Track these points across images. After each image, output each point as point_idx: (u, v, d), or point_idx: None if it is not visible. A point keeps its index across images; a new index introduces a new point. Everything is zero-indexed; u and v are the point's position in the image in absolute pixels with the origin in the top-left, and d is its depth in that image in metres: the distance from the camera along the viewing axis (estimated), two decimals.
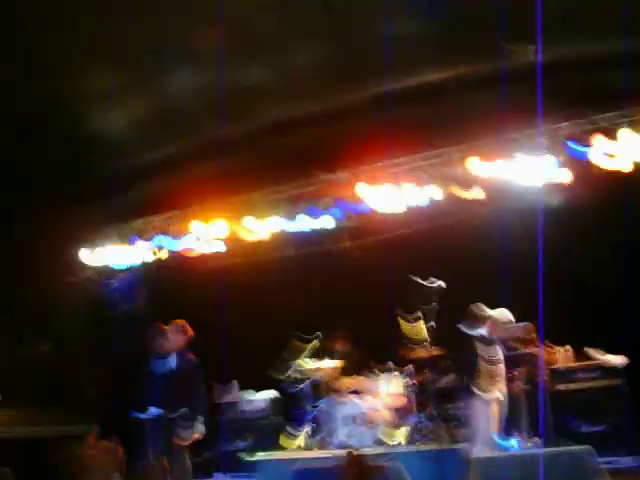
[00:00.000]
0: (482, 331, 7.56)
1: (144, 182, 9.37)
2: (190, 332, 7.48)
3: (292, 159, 8.84)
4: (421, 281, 8.14)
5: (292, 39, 7.20)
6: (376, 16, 6.69)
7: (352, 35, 7.09)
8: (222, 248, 9.80)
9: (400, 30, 6.71)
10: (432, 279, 8.15)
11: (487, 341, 7.51)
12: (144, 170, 9.09)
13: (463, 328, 7.58)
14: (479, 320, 7.63)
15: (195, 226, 9.55)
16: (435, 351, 8.19)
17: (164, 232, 9.96)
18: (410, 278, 8.14)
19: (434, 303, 8.10)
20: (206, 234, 9.59)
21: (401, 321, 8.37)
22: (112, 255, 10.23)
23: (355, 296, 9.15)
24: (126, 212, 10.04)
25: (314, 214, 9.13)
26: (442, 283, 8.11)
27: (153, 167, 9.10)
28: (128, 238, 10.16)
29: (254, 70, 7.59)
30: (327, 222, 9.14)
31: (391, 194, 8.53)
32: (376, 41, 6.89)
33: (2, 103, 7.36)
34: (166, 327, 7.51)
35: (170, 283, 10.11)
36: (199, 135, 8.60)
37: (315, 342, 9.18)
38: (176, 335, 7.43)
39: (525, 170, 7.74)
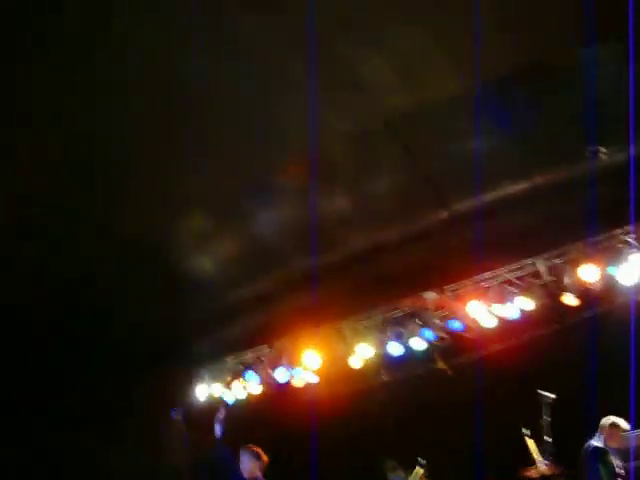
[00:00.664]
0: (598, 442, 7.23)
1: (235, 320, 9.53)
2: (265, 458, 7.35)
3: (378, 284, 8.89)
4: (542, 392, 7.80)
5: (370, 167, 7.47)
6: (450, 135, 6.94)
7: (428, 157, 7.29)
8: (314, 379, 9.77)
9: (479, 147, 6.88)
10: (541, 392, 7.83)
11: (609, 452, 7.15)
12: (234, 308, 9.27)
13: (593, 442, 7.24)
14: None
15: (286, 358, 9.60)
16: (553, 469, 7.74)
17: (254, 367, 10.05)
18: (515, 391, 7.88)
19: (545, 417, 7.75)
20: (298, 365, 9.63)
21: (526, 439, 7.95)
22: (204, 393, 10.36)
23: (450, 418, 8.91)
24: (219, 350, 10.17)
25: (404, 338, 9.07)
26: (552, 395, 7.79)
27: (243, 305, 9.27)
28: (220, 376, 10.29)
29: (335, 201, 7.83)
30: (418, 344, 9.05)
31: (480, 310, 8.47)
32: (453, 160, 7.08)
33: (104, 245, 7.70)
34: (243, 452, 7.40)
35: (261, 416, 10.08)
36: (286, 268, 8.77)
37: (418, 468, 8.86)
38: (249, 461, 7.32)
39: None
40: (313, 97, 5.89)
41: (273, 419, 9.93)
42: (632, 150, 6.85)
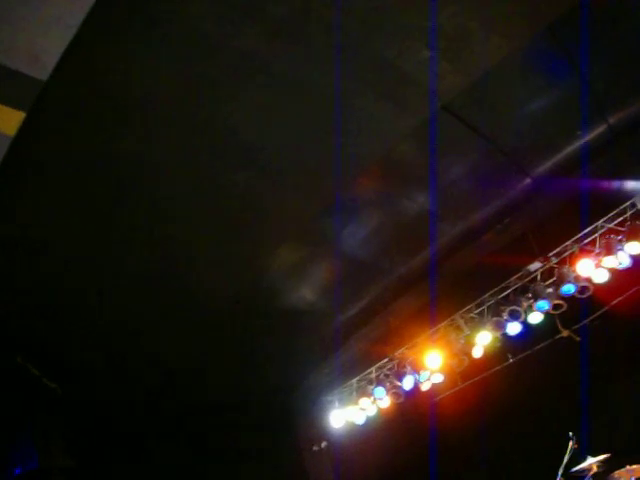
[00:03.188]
0: None
1: (350, 341, 9.57)
2: None
3: (480, 270, 8.80)
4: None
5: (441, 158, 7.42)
6: (511, 101, 6.84)
7: (495, 130, 7.19)
8: (440, 378, 9.70)
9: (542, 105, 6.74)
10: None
11: None
12: (347, 330, 9.32)
13: None
14: None
15: (410, 366, 9.58)
16: None
17: (380, 382, 10.08)
18: None
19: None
20: (422, 370, 9.59)
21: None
22: (340, 418, 10.47)
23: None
24: (343, 375, 10.25)
25: (520, 315, 8.87)
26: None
27: (354, 325, 9.31)
28: (349, 398, 10.37)
29: (416, 199, 7.80)
30: (536, 318, 8.85)
31: (590, 266, 8.22)
32: (522, 125, 6.96)
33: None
34: None
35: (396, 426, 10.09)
36: (387, 278, 8.75)
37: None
38: None
39: None
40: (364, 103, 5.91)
41: (411, 425, 9.94)
42: None
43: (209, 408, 9.14)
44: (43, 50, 4.85)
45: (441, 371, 9.64)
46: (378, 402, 10.09)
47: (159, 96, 5.56)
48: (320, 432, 10.46)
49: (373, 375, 10.20)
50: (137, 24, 4.99)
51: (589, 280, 8.32)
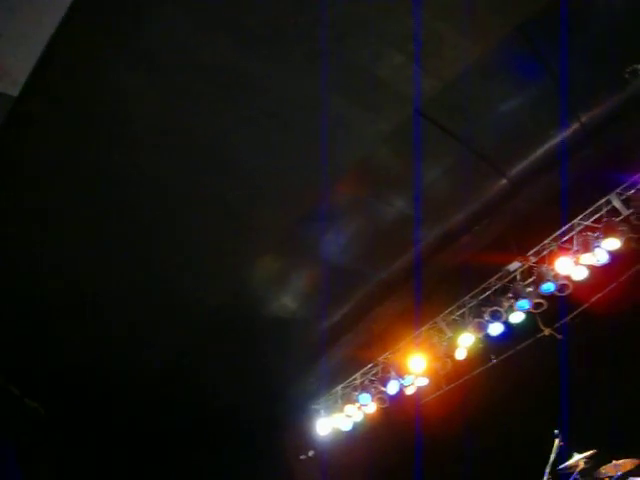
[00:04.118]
0: None
1: (334, 348, 9.55)
2: None
3: (460, 272, 8.84)
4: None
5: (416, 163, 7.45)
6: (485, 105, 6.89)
7: (469, 134, 7.24)
8: (425, 381, 9.72)
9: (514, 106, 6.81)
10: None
11: None
12: (330, 337, 9.29)
13: None
14: None
15: (394, 370, 9.59)
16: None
17: (364, 388, 10.06)
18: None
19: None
20: (406, 374, 9.60)
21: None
22: (326, 426, 10.45)
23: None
24: (327, 382, 10.22)
25: (501, 316, 8.91)
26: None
27: (337, 332, 9.29)
28: (335, 406, 10.34)
29: (394, 204, 7.81)
30: (517, 317, 8.90)
31: (569, 264, 8.29)
32: (496, 126, 7.02)
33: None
34: None
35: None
36: (367, 284, 8.75)
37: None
38: None
39: None
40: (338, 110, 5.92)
41: (397, 429, 9.95)
42: None
43: (194, 420, 9.08)
44: (13, 66, 4.82)
45: (425, 374, 9.66)
46: (364, 408, 10.08)
47: (136, 109, 5.54)
48: (307, 440, 10.43)
49: (358, 381, 10.19)
50: (109, 38, 4.96)
51: (568, 278, 8.39)
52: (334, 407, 10.46)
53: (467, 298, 9.22)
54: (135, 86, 5.39)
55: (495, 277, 8.97)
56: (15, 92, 4.96)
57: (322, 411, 10.56)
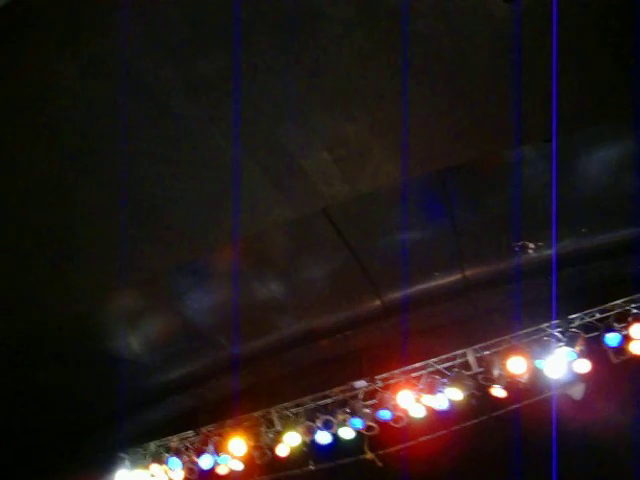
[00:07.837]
0: None
1: (161, 403, 9.27)
2: None
3: (309, 372, 8.88)
4: None
5: (306, 254, 7.54)
6: (385, 226, 7.11)
7: (363, 246, 7.42)
8: (240, 466, 9.51)
9: (412, 238, 7.05)
10: None
11: None
12: (161, 391, 9.04)
13: None
14: None
15: (212, 445, 9.34)
16: None
17: (177, 453, 9.72)
18: None
19: None
20: (223, 452, 9.36)
21: None
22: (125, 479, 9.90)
23: None
24: (142, 434, 9.82)
25: (333, 427, 8.94)
26: None
27: (170, 387, 9.05)
28: (142, 461, 9.89)
29: (270, 286, 7.83)
30: (347, 433, 8.95)
31: (410, 400, 8.48)
32: (387, 250, 7.22)
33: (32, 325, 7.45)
34: None
35: None
36: (217, 353, 8.64)
37: None
38: None
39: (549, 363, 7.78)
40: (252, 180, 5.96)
41: None
42: (555, 247, 7.16)
43: None
44: None
45: (242, 459, 9.45)
46: (170, 473, 9.65)
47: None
48: None
49: (174, 444, 9.79)
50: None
51: (405, 412, 8.55)
52: (141, 462, 9.97)
53: (307, 398, 9.19)
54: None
55: (339, 388, 9.02)
56: None
57: (127, 462, 10.04)
